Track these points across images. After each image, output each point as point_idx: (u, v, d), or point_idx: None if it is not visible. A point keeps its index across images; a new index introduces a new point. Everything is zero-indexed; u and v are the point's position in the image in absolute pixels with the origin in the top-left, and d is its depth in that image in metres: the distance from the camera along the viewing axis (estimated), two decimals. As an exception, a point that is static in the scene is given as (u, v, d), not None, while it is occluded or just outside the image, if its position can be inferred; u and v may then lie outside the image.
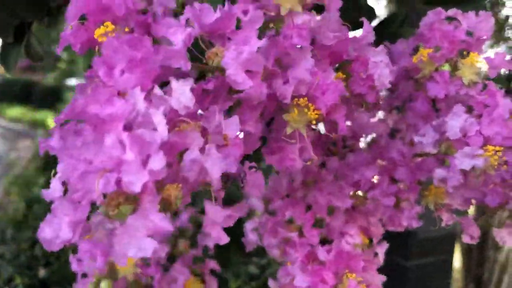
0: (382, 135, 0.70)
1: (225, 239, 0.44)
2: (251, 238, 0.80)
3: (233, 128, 0.43)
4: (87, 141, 0.36)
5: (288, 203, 0.71)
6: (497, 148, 0.53)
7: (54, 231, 0.37)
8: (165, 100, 0.39)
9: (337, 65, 0.58)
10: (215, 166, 0.39)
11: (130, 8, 0.48)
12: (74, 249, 0.71)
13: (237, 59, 0.43)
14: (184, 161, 0.38)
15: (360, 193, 0.72)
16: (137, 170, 0.34)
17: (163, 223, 0.35)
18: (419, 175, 0.66)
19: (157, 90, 0.39)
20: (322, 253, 0.64)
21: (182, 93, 0.39)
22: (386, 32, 0.86)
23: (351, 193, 0.70)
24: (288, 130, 0.51)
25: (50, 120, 6.75)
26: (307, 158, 0.51)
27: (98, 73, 0.41)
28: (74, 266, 0.71)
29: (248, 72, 0.44)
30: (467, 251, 2.66)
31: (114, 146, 0.35)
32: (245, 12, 0.46)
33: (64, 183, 0.39)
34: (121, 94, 0.40)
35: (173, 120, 0.41)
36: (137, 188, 0.34)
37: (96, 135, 0.36)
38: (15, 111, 8.52)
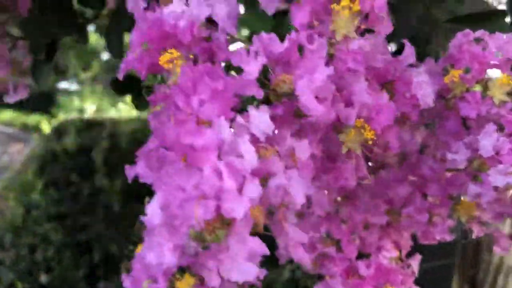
0: (412, 151, 0.73)
1: (306, 260, 0.45)
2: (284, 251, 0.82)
3: (304, 151, 0.45)
4: (179, 170, 0.38)
5: (323, 219, 0.73)
6: None
7: (158, 257, 0.39)
8: (247, 128, 0.40)
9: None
10: (299, 190, 0.40)
11: (195, 35, 0.50)
12: (127, 267, 0.72)
13: (309, 87, 0.45)
14: (269, 187, 0.40)
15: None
16: (235, 197, 0.36)
17: (260, 246, 0.37)
18: (451, 190, 0.69)
19: (239, 119, 0.41)
20: (362, 267, 0.66)
21: (261, 120, 0.41)
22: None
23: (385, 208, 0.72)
24: (344, 150, 0.53)
25: (44, 124, 6.69)
26: (361, 177, 0.53)
27: (175, 99, 0.43)
28: (127, 284, 0.72)
29: (316, 98, 0.46)
30: (462, 252, 2.69)
31: (212, 175, 0.37)
32: (310, 40, 0.48)
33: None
34: (200, 122, 0.41)
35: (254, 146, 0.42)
36: (239, 215, 0.36)
37: (189, 165, 0.38)
38: (7, 114, 8.40)
